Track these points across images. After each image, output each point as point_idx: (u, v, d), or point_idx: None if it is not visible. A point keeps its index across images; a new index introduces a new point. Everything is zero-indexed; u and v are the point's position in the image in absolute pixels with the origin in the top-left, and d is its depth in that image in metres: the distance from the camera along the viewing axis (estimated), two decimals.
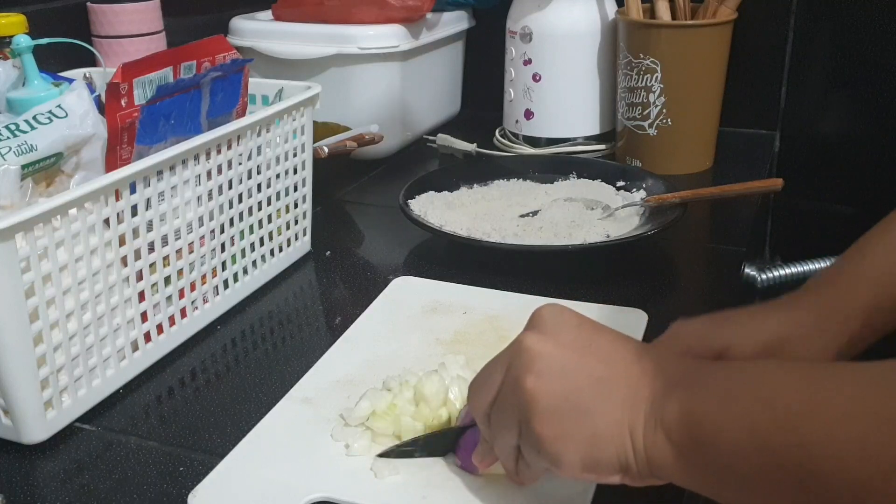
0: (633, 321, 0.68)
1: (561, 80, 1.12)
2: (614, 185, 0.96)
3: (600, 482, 0.44)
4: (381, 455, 0.53)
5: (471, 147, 1.17)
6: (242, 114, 0.77)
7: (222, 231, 0.73)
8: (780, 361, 0.40)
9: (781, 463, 0.36)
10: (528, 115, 1.15)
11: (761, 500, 0.37)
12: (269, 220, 0.79)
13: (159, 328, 0.67)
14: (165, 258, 0.66)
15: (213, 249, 0.72)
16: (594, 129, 1.15)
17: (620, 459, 0.42)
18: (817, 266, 0.75)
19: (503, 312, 0.71)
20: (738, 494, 0.38)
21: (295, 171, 0.82)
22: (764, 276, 0.75)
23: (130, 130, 0.65)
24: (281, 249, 0.82)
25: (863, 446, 0.33)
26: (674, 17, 1.06)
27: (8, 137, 0.61)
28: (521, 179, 1.00)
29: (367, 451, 0.54)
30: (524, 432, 0.44)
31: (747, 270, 0.76)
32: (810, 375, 0.37)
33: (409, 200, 0.90)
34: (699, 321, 0.54)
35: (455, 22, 1.24)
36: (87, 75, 0.84)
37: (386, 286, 0.77)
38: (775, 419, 0.36)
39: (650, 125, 1.06)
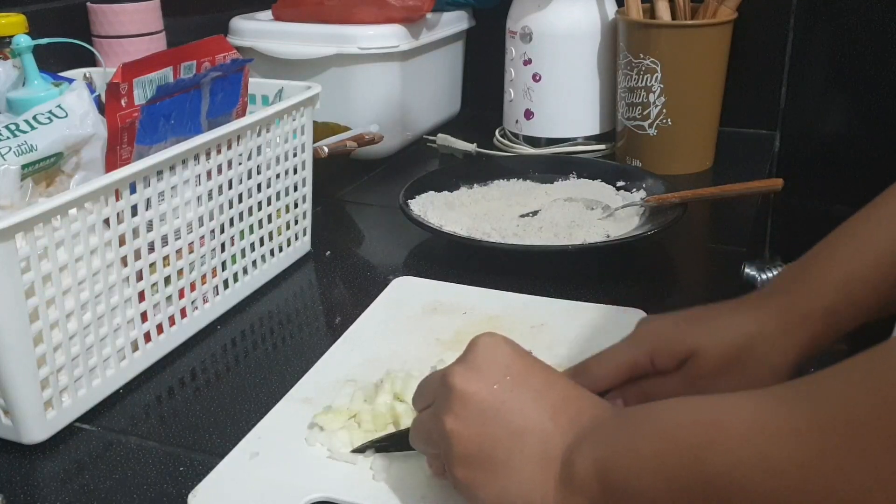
0: (632, 321, 0.67)
1: (561, 80, 1.12)
2: (614, 185, 0.96)
3: None
4: (356, 450, 0.54)
5: (471, 147, 1.17)
6: (242, 114, 0.77)
7: (222, 231, 0.73)
8: (684, 398, 0.39)
9: (692, 498, 0.35)
10: (528, 115, 1.15)
11: None
12: (269, 220, 0.79)
13: (159, 328, 0.67)
14: (165, 258, 0.66)
15: (213, 249, 0.72)
16: (594, 129, 1.15)
17: None
18: None
19: (503, 313, 0.71)
20: None
21: (295, 171, 0.82)
22: (764, 276, 0.75)
23: (130, 130, 0.65)
24: (281, 249, 0.82)
25: (767, 464, 0.33)
26: (674, 17, 1.06)
27: (8, 137, 0.61)
28: (521, 179, 1.00)
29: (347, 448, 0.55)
30: (444, 461, 0.45)
31: (747, 270, 0.76)
32: (710, 405, 0.37)
33: (409, 200, 0.90)
34: (665, 320, 0.54)
35: (455, 22, 1.24)
36: (87, 75, 0.84)
37: (386, 286, 0.77)
38: (679, 454, 0.36)
39: (650, 125, 1.06)
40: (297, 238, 0.85)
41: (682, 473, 0.36)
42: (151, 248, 0.65)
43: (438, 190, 0.95)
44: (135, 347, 0.65)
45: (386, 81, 1.11)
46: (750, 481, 0.33)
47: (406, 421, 0.55)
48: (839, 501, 0.31)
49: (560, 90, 1.13)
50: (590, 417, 0.43)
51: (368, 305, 0.73)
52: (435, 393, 0.47)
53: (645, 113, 1.05)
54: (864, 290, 0.49)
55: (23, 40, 0.70)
